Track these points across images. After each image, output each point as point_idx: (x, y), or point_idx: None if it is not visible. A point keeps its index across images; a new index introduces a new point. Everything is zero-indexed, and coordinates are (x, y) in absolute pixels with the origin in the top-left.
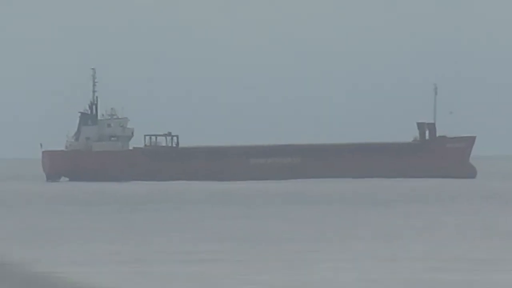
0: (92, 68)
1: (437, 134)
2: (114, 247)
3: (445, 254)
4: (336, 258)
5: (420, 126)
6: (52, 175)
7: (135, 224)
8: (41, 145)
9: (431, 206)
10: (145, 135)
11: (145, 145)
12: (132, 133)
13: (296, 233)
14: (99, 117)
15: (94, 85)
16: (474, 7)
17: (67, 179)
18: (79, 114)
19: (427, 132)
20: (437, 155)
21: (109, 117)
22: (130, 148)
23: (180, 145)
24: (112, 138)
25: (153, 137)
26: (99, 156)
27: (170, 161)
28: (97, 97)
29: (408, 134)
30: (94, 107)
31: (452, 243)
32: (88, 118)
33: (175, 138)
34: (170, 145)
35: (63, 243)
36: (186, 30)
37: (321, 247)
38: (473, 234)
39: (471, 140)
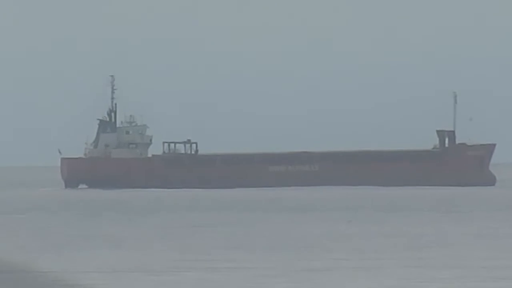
0: (111, 76)
1: (457, 142)
2: (139, 255)
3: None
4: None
5: (440, 133)
6: (71, 182)
7: (147, 232)
8: (59, 151)
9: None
10: (163, 142)
11: (164, 152)
12: (151, 140)
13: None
14: (118, 124)
15: (113, 92)
16: (493, 15)
17: (85, 186)
18: (98, 121)
19: (446, 140)
20: (456, 163)
21: (128, 124)
22: (149, 155)
23: (199, 152)
24: (131, 145)
25: (172, 144)
26: (117, 163)
27: (189, 168)
28: (116, 104)
29: (428, 142)
30: (113, 114)
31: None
32: (107, 125)
33: (194, 145)
34: (189, 152)
35: (81, 250)
36: (207, 39)
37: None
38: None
39: (490, 148)
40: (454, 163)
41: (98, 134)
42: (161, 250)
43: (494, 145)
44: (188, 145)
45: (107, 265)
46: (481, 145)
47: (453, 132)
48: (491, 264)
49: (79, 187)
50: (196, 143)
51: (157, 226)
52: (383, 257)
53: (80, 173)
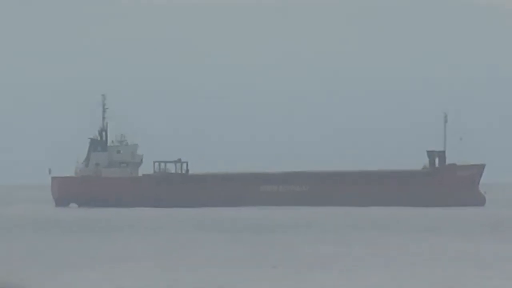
0: (102, 95)
1: (447, 162)
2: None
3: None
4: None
5: (430, 154)
6: (61, 201)
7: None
8: (49, 170)
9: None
10: (154, 162)
11: (155, 171)
12: (142, 160)
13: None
14: (108, 144)
15: (104, 111)
16: (482, 35)
17: (76, 205)
18: (89, 140)
19: (437, 160)
20: (446, 183)
21: (119, 144)
22: (140, 174)
23: (190, 171)
24: (122, 165)
25: (163, 164)
26: (108, 182)
27: (180, 188)
28: (107, 123)
29: (418, 162)
30: (104, 133)
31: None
32: (98, 144)
33: (184, 164)
34: (179, 171)
35: (69, 270)
36: (196, 57)
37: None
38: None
39: (480, 168)
40: (444, 184)
41: (89, 153)
42: (144, 268)
43: (484, 165)
44: (178, 165)
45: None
46: (471, 165)
47: (444, 152)
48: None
49: (70, 205)
50: (186, 162)
51: (142, 244)
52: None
53: (71, 192)
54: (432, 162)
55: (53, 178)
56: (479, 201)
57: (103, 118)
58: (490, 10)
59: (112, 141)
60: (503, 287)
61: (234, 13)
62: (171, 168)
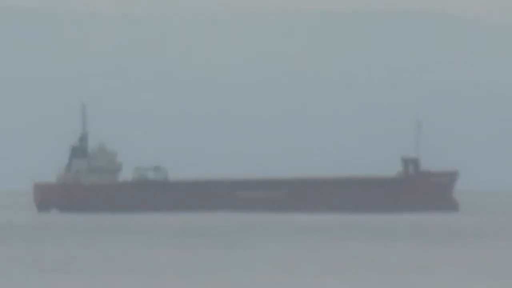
0: (82, 103)
1: (421, 169)
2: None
3: None
4: None
5: (404, 160)
6: (43, 207)
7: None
8: (31, 178)
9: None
10: (134, 168)
11: (134, 178)
12: (121, 166)
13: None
14: (89, 151)
15: (84, 119)
16: (458, 43)
17: (57, 210)
18: (70, 147)
19: (411, 167)
20: (420, 189)
21: (99, 151)
22: (119, 181)
23: (169, 178)
24: (102, 171)
25: (142, 170)
26: (88, 189)
27: (158, 194)
28: (87, 131)
29: (392, 168)
30: (84, 140)
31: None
32: (79, 151)
33: (163, 171)
34: (158, 178)
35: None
36: (175, 66)
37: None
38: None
39: (453, 175)
40: (418, 190)
41: (70, 160)
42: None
43: (457, 172)
44: (157, 171)
45: None
46: (444, 172)
47: (417, 159)
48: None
49: (51, 211)
50: (165, 169)
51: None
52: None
53: (52, 198)
54: (406, 169)
55: (35, 185)
56: (453, 207)
57: (84, 126)
58: (460, 19)
59: (92, 148)
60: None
61: (210, 18)
62: (150, 174)
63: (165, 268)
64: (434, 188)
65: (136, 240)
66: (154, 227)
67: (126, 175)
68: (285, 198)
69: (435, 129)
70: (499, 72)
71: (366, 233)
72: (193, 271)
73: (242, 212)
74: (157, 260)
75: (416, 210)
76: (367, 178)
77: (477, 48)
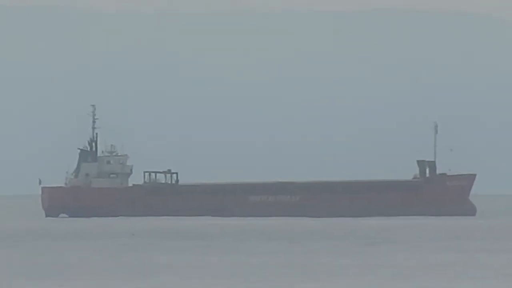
0: (92, 105)
1: (438, 172)
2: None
3: None
4: None
5: (421, 164)
6: (51, 211)
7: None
8: (39, 181)
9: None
10: (144, 172)
11: (145, 182)
12: (131, 170)
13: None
14: (98, 154)
15: (94, 121)
16: (473, 47)
17: (66, 215)
18: (79, 150)
19: (427, 170)
20: (437, 193)
21: (109, 154)
22: (130, 185)
23: (180, 182)
24: (112, 175)
25: (153, 174)
26: (98, 193)
27: (169, 198)
28: (97, 133)
29: (409, 172)
30: (93, 144)
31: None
32: (88, 155)
33: (174, 175)
34: (169, 182)
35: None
36: (186, 69)
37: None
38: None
39: (471, 178)
40: (434, 193)
41: (79, 163)
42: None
43: (475, 175)
44: (168, 175)
45: None
46: (461, 175)
47: (434, 162)
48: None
49: (60, 216)
50: (176, 173)
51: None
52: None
53: (61, 202)
54: (422, 172)
55: (43, 189)
56: (470, 211)
57: (93, 128)
58: (481, 18)
59: (102, 152)
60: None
61: (223, 21)
62: (161, 178)
63: (176, 272)
64: (451, 192)
65: (147, 244)
66: (164, 231)
67: (136, 179)
68: (299, 203)
69: (453, 132)
70: None
71: (382, 237)
72: (204, 275)
73: (254, 217)
74: (167, 264)
75: (433, 213)
76: (382, 181)
77: (496, 48)
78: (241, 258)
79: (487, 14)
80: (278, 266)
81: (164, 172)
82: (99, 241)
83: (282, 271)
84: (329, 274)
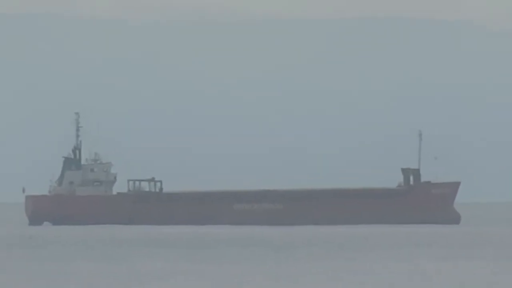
0: (76, 113)
1: (422, 180)
2: None
3: None
4: None
5: (405, 171)
6: (35, 219)
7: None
8: (23, 189)
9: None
10: (128, 180)
11: (129, 190)
12: (115, 178)
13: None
14: (82, 162)
15: (77, 129)
16: (457, 53)
17: (50, 223)
18: (63, 158)
19: (411, 178)
20: (421, 201)
21: (93, 162)
22: (114, 193)
23: (164, 190)
24: (96, 183)
25: (137, 182)
26: (82, 201)
27: (154, 206)
28: (80, 141)
29: (393, 180)
30: (77, 151)
31: None
32: (72, 162)
33: (158, 183)
34: (153, 190)
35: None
36: (169, 79)
37: None
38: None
39: (455, 186)
40: (418, 201)
41: (62, 171)
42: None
43: (459, 183)
44: (152, 183)
45: None
46: (446, 183)
47: (418, 170)
48: None
49: (44, 224)
50: (160, 181)
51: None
52: None
53: (45, 210)
54: (406, 180)
55: (26, 197)
56: (454, 219)
57: (77, 136)
58: (468, 29)
59: (86, 160)
60: None
61: (205, 30)
62: (145, 186)
63: (159, 281)
64: (435, 200)
65: (131, 252)
66: (148, 239)
67: (121, 187)
68: (283, 211)
69: (437, 140)
70: (503, 81)
71: (364, 245)
72: (188, 284)
73: (239, 225)
74: (150, 272)
75: (417, 221)
76: (367, 189)
77: (479, 55)
78: (223, 266)
79: (469, 21)
80: (266, 274)
81: (148, 180)
82: (80, 249)
83: (268, 280)
84: (296, 281)
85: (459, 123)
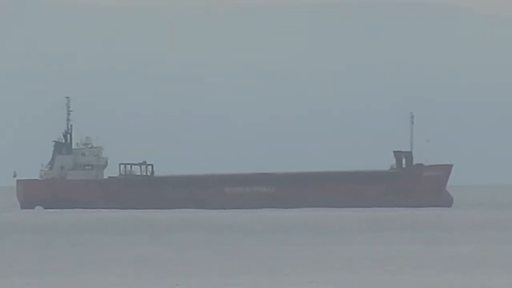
0: (67, 97)
1: (414, 162)
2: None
3: None
4: None
5: (397, 154)
6: (27, 204)
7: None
8: (14, 173)
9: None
10: (119, 164)
11: (120, 174)
12: (107, 162)
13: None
14: (73, 146)
15: (68, 114)
16: (449, 36)
17: (41, 207)
18: (54, 143)
19: (404, 160)
20: (413, 184)
21: (84, 146)
22: (105, 177)
23: (155, 174)
24: (87, 167)
25: (128, 166)
26: (73, 185)
27: (145, 190)
28: (71, 125)
29: (385, 163)
30: (68, 136)
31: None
32: (63, 147)
33: (150, 167)
34: (145, 174)
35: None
36: (162, 61)
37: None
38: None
39: (448, 169)
40: (411, 184)
41: (53, 156)
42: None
43: (451, 165)
44: (143, 167)
45: None
46: (438, 165)
47: (411, 152)
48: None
49: (35, 208)
50: (152, 165)
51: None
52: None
53: (36, 194)
54: (399, 163)
55: (18, 181)
56: (446, 202)
57: (68, 120)
58: (458, 12)
59: (77, 144)
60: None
61: (190, 17)
62: (136, 170)
63: (152, 265)
64: (427, 182)
65: (124, 236)
66: (140, 224)
67: (112, 170)
68: (276, 194)
69: (429, 122)
70: (494, 63)
71: (358, 227)
72: (180, 269)
73: (230, 209)
74: (143, 256)
75: (409, 204)
76: (359, 172)
77: (471, 38)
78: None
79: (463, 7)
80: (255, 260)
81: (139, 164)
82: (70, 235)
83: (259, 265)
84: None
85: (451, 106)
